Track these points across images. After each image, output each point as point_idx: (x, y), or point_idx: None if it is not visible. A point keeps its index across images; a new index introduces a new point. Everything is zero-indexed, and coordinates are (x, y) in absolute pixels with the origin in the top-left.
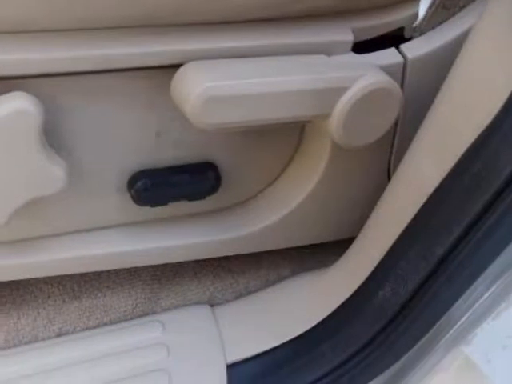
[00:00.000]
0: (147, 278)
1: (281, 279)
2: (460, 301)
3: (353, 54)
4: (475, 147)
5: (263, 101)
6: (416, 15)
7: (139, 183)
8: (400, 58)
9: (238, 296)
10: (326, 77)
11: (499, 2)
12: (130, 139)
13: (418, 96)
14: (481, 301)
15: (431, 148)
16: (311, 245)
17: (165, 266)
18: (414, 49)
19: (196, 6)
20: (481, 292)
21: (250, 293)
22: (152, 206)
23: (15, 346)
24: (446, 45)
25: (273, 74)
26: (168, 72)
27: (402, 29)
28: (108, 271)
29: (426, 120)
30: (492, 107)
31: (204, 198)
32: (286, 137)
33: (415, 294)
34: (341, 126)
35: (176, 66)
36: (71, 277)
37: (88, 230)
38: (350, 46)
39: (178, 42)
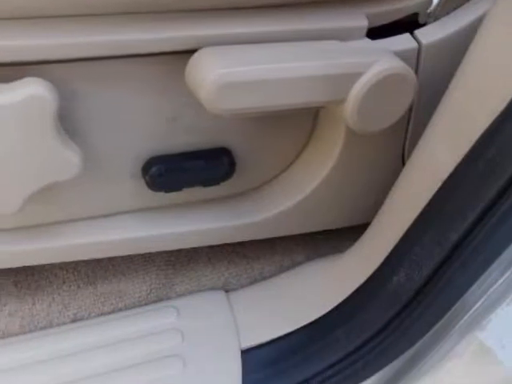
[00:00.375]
0: (161, 263)
1: (295, 265)
2: (474, 286)
3: (367, 40)
4: (489, 133)
5: (277, 86)
6: (430, 1)
7: (153, 169)
8: (414, 44)
9: (253, 282)
10: (340, 62)
11: None
12: (144, 125)
13: (433, 82)
14: (495, 286)
15: (445, 133)
16: (325, 230)
17: (179, 251)
18: (429, 34)
19: None
20: (495, 278)
21: (264, 278)
22: (166, 191)
23: (30, 331)
24: (460, 30)
25: (287, 60)
26: (182, 58)
27: (416, 14)
28: (122, 257)
29: (441, 105)
30: (506, 93)
31: (218, 183)
32: (300, 122)
33: (430, 279)
34: (355, 112)
35: (190, 52)
36: (86, 262)
37: (102, 216)
38: (364, 31)
39: (191, 28)
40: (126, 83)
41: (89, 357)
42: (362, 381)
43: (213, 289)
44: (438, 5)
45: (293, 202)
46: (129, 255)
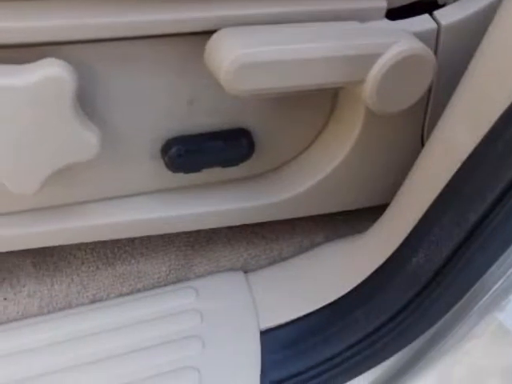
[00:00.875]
0: (181, 244)
1: (314, 246)
2: (494, 267)
3: (386, 21)
4: (509, 113)
5: (296, 67)
6: None
7: (173, 150)
8: (434, 25)
9: (272, 262)
10: (359, 43)
11: None
12: (163, 106)
13: (452, 62)
14: None
15: (465, 114)
16: (345, 211)
17: (198, 232)
18: (448, 15)
19: None
20: None
21: (283, 259)
22: (185, 172)
23: (49, 312)
24: (479, 11)
25: (306, 41)
26: (201, 39)
27: None
28: (141, 238)
29: (460, 86)
30: None
31: (237, 164)
32: (319, 103)
33: (449, 260)
34: (374, 93)
35: (209, 33)
36: (105, 243)
37: (121, 197)
38: (383, 12)
39: (210, 9)
40: (144, 64)
41: (108, 338)
42: (381, 362)
43: (232, 270)
44: None
45: (312, 182)
46: (148, 236)
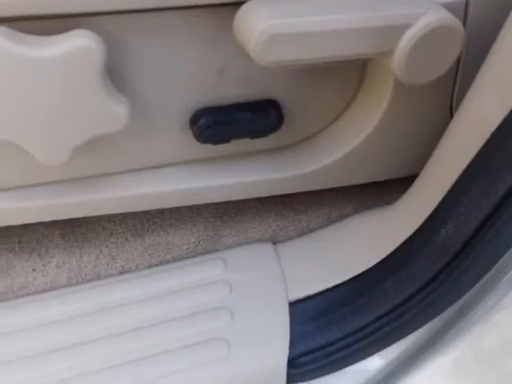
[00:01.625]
0: (209, 215)
1: (343, 217)
2: None
3: None
4: None
5: (326, 38)
6: None
7: (202, 121)
8: None
9: (301, 234)
10: (388, 14)
11: None
12: (192, 77)
13: (481, 33)
14: None
15: (494, 85)
16: (373, 182)
17: (227, 203)
18: None
19: None
20: None
21: (312, 230)
22: (214, 143)
23: (77, 283)
24: None
25: (335, 12)
26: (231, 9)
27: None
28: (170, 209)
29: (489, 57)
30: None
31: (266, 135)
32: (348, 74)
33: (478, 231)
34: (403, 64)
35: (238, 4)
36: (134, 214)
37: (150, 168)
38: None
39: None
40: (173, 35)
41: (136, 309)
42: (410, 333)
43: (260, 241)
44: None
45: (340, 154)
46: (177, 207)
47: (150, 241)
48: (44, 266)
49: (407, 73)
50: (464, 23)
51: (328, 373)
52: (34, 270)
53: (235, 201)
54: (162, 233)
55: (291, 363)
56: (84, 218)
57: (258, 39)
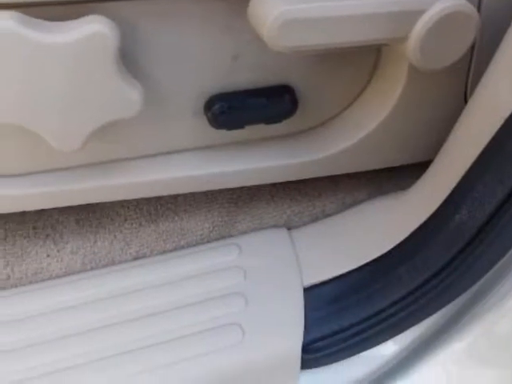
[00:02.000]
0: (224, 201)
1: (357, 202)
2: None
3: None
4: None
5: (340, 24)
6: None
7: (216, 106)
8: None
9: (315, 219)
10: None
11: None
12: (206, 62)
13: (495, 19)
14: None
15: (508, 71)
16: (388, 168)
17: (241, 189)
18: None
19: None
20: None
21: (326, 216)
22: (228, 129)
23: (92, 269)
24: None
25: None
26: None
27: None
28: (185, 194)
29: (503, 43)
30: None
31: (281, 121)
32: (362, 60)
33: (492, 217)
34: (418, 49)
35: None
36: (148, 200)
37: (164, 154)
38: None
39: None
40: (188, 21)
41: (151, 294)
42: (424, 318)
43: (275, 226)
44: None
45: (355, 139)
46: (191, 193)
47: (164, 226)
48: (58, 251)
49: (422, 58)
50: (478, 9)
51: (342, 358)
52: (48, 255)
53: (249, 186)
54: (176, 218)
55: (306, 349)
56: (98, 203)
57: (273, 25)
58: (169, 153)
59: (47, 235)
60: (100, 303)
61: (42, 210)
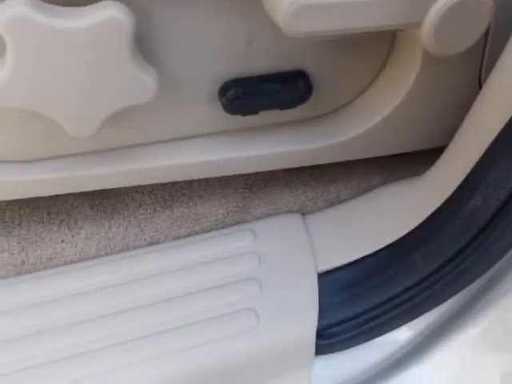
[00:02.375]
0: (238, 186)
1: (372, 188)
2: None
3: None
4: None
5: (355, 9)
6: None
7: (230, 92)
8: None
9: (329, 205)
10: None
11: None
12: (220, 48)
13: (510, 4)
14: None
15: None
16: (402, 154)
17: (256, 174)
18: None
19: None
20: None
21: (341, 201)
22: (243, 114)
23: (106, 254)
24: None
25: None
26: None
27: None
28: (199, 180)
29: None
30: None
31: (295, 106)
32: (377, 46)
33: (506, 202)
34: (432, 35)
35: None
36: (162, 186)
37: (179, 139)
38: None
39: None
40: (202, 6)
41: (165, 280)
42: (438, 304)
43: (289, 212)
44: None
45: (369, 125)
46: (205, 178)
47: (178, 212)
48: (73, 237)
49: (436, 44)
50: None
51: (357, 344)
52: (62, 241)
53: (264, 172)
54: (190, 204)
55: (320, 334)
56: (113, 189)
57: (287, 10)
58: (183, 138)
59: (62, 221)
60: (114, 289)
61: (57, 196)
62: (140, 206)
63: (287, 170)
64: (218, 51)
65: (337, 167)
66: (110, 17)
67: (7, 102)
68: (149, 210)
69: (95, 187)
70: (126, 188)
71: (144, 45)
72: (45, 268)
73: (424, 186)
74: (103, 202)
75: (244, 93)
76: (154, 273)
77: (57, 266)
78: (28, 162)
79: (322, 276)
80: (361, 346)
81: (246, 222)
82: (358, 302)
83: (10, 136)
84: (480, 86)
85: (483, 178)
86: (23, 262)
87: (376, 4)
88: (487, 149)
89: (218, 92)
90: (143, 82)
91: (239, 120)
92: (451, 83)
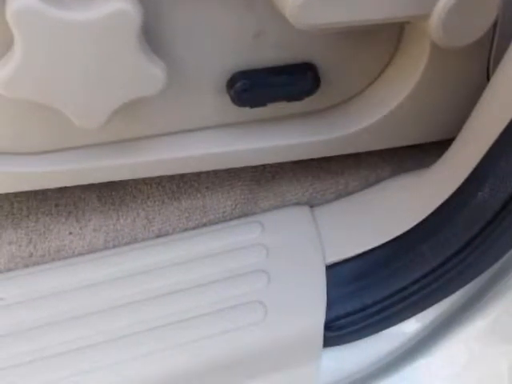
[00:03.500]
0: (246, 178)
1: (380, 180)
2: None
3: None
4: None
5: (362, 1)
6: None
7: (238, 84)
8: None
9: (338, 197)
10: None
11: None
12: (229, 40)
13: None
14: None
15: None
16: (411, 146)
17: (264, 167)
18: None
19: None
20: None
21: (349, 193)
22: (251, 106)
23: (114, 246)
24: None
25: None
26: None
27: None
28: (207, 172)
29: None
30: None
31: (303, 98)
32: (385, 38)
33: None
34: (440, 27)
35: None
36: (170, 178)
37: (187, 131)
38: None
39: None
40: None
41: (173, 272)
42: (447, 296)
43: (297, 204)
44: None
45: (377, 117)
46: (213, 170)
47: (186, 204)
48: (81, 229)
49: (444, 36)
50: None
51: (365, 336)
52: (70, 233)
53: (272, 164)
54: (198, 196)
55: (328, 326)
56: (121, 181)
57: (294, 2)
58: (191, 130)
59: (69, 212)
60: (122, 281)
61: (65, 188)
62: (148, 197)
63: (295, 162)
64: (227, 43)
65: (345, 159)
66: (118, 8)
67: (15, 94)
68: (157, 202)
69: (103, 179)
70: (133, 180)
71: (152, 36)
72: (53, 260)
73: (432, 178)
74: (111, 194)
75: (252, 85)
76: (162, 265)
77: (65, 258)
78: (36, 153)
79: (330, 268)
80: (369, 338)
81: (253, 214)
82: (366, 293)
83: (18, 128)
84: (488, 78)
85: (491, 169)
86: (31, 254)
87: None
88: (495, 141)
89: (226, 84)
90: (151, 74)
91: (247, 112)
92: (459, 75)
